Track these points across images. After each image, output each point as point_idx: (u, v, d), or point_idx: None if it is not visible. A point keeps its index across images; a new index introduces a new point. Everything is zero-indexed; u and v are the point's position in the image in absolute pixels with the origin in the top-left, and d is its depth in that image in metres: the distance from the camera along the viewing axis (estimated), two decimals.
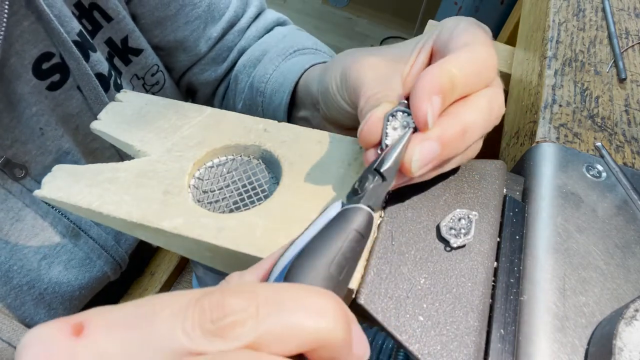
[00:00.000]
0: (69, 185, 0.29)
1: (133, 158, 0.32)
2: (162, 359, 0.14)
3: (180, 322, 0.15)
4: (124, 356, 0.14)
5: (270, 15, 0.61)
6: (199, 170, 0.31)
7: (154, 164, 0.31)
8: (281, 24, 0.62)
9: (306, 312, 0.15)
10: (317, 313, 0.15)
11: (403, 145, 0.25)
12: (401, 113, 0.26)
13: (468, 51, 0.26)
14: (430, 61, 0.30)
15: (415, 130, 0.25)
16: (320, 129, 0.33)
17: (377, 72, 0.30)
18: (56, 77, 0.42)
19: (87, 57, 0.43)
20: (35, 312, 0.45)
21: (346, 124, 0.37)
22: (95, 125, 0.34)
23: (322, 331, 0.15)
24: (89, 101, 0.44)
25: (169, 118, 0.34)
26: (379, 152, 0.26)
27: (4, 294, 0.43)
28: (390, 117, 0.26)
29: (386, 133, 0.26)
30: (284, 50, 0.53)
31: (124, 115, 0.35)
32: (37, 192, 0.29)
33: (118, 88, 0.47)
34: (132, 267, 0.54)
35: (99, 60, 0.45)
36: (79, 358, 0.14)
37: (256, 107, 0.52)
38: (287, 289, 0.16)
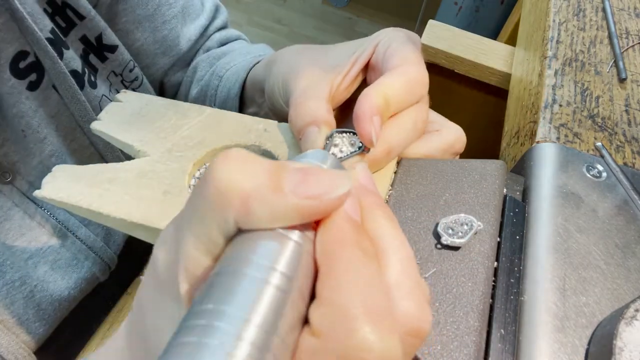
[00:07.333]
0: (69, 185, 0.29)
1: (128, 157, 0.32)
2: None
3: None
4: None
5: (233, 31, 0.66)
6: (199, 170, 0.31)
7: (154, 164, 0.31)
8: (243, 39, 0.67)
9: None
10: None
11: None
12: (344, 134, 0.30)
13: (400, 73, 0.30)
14: (366, 73, 0.35)
15: (362, 148, 0.29)
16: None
17: (309, 82, 0.33)
18: (33, 77, 0.42)
19: (60, 55, 0.43)
20: (24, 312, 0.44)
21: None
22: (96, 126, 0.34)
23: None
24: (66, 100, 0.44)
25: (169, 118, 0.34)
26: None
27: None
28: (330, 139, 0.30)
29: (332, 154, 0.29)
30: (254, 51, 0.57)
31: (124, 116, 0.35)
32: (37, 193, 0.29)
33: (93, 85, 0.48)
34: (122, 268, 0.54)
35: (73, 57, 0.45)
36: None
37: (211, 90, 0.54)
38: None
